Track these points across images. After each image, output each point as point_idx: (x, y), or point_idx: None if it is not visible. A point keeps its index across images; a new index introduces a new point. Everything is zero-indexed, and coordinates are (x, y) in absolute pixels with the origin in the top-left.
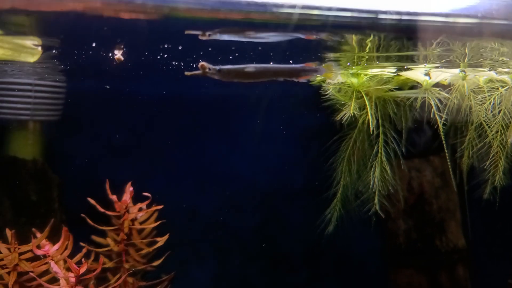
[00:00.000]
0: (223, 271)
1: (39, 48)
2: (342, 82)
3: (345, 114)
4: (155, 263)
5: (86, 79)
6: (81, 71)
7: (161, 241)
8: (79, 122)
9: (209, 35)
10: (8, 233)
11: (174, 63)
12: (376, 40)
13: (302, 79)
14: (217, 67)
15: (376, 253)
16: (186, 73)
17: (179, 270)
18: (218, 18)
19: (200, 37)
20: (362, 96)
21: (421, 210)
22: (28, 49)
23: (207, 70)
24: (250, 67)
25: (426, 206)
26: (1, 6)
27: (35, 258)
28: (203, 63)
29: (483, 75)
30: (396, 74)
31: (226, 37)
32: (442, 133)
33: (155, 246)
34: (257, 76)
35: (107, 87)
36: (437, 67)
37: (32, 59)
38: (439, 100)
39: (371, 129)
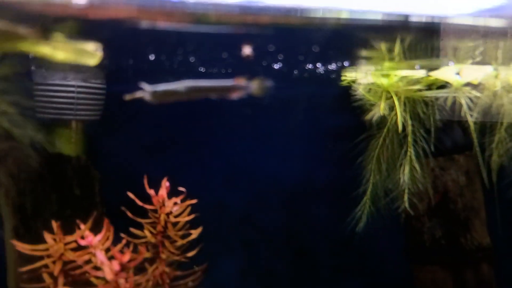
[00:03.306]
0: (250, 265)
1: (99, 52)
2: (372, 83)
3: (375, 114)
4: (189, 254)
5: (126, 81)
6: (123, 74)
7: (195, 233)
8: (118, 122)
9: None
10: (54, 224)
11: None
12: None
13: (233, 95)
14: (152, 90)
15: (401, 249)
16: (126, 97)
17: (209, 262)
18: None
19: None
20: (392, 96)
21: (446, 208)
22: (89, 53)
23: (147, 94)
24: (182, 86)
25: (451, 204)
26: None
27: (78, 248)
28: (146, 86)
29: None
30: (427, 75)
31: None
32: (472, 132)
33: (189, 239)
34: (189, 95)
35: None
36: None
37: (92, 61)
38: (470, 99)
39: (399, 128)
